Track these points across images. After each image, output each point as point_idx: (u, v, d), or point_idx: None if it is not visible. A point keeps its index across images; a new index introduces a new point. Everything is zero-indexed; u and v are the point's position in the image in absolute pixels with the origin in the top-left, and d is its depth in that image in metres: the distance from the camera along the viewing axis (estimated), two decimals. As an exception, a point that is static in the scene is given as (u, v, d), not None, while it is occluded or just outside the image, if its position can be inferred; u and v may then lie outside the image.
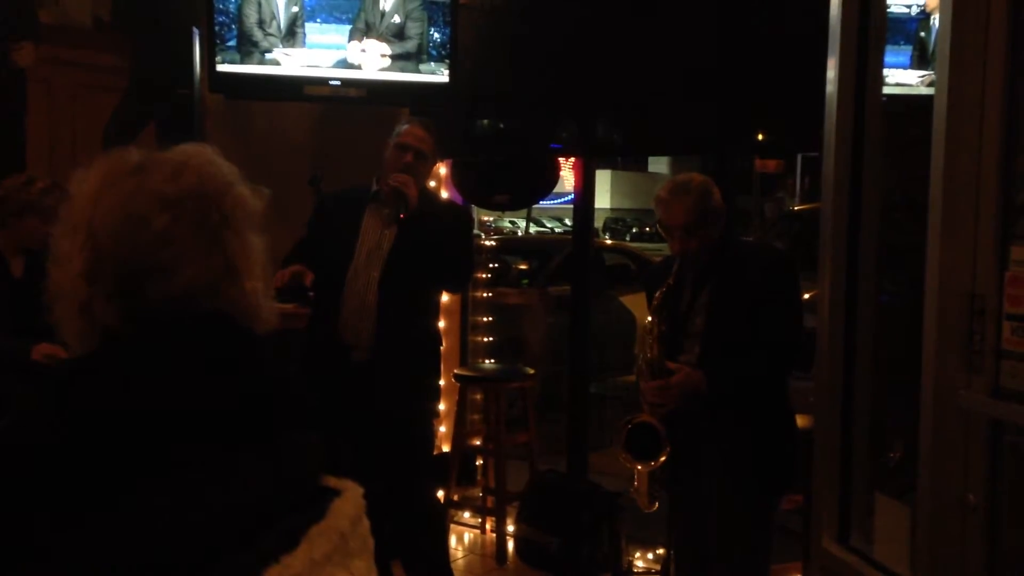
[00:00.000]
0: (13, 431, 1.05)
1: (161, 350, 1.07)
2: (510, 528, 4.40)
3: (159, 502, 0.95)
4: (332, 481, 1.08)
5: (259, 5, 4.19)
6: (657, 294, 2.96)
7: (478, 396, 4.87)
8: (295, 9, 4.24)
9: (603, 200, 32.47)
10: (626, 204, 34.82)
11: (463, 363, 5.10)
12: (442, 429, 4.80)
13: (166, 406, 1.01)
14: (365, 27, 4.31)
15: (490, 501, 4.66)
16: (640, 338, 3.10)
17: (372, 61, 4.33)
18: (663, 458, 2.89)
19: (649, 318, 2.99)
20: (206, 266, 1.13)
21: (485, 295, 5.32)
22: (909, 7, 3.62)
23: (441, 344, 3.81)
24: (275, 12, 4.22)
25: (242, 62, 4.22)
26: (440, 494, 4.45)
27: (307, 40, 4.28)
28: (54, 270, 1.14)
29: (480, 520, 4.82)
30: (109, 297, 1.11)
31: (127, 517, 0.94)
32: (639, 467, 2.95)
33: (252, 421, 1.05)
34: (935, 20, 3.36)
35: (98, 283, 1.11)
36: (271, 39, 4.23)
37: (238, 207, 1.18)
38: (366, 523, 1.07)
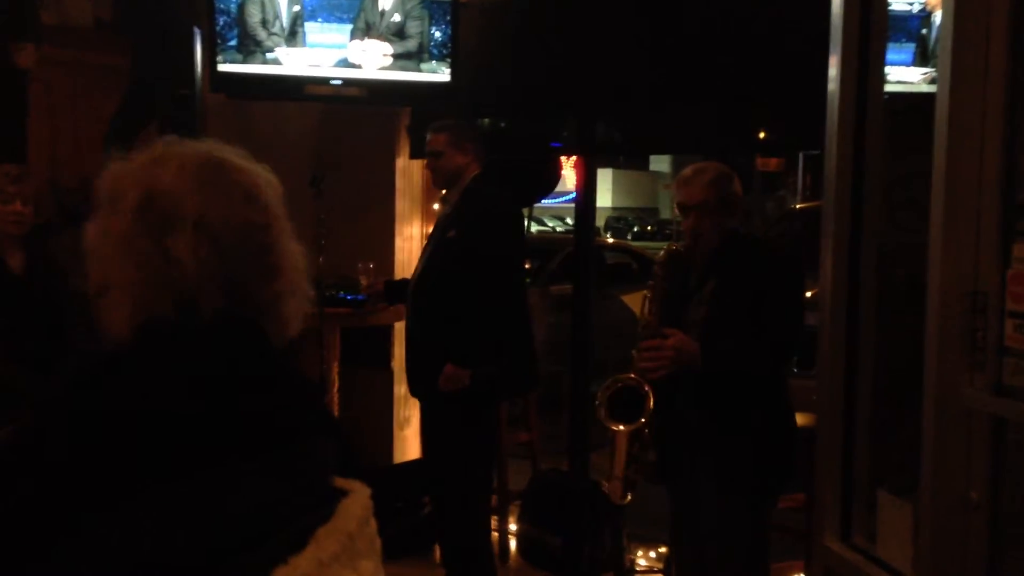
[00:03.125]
0: (40, 427, 1.04)
1: (194, 355, 1.07)
2: (512, 527, 4.40)
3: (170, 504, 0.95)
4: (340, 482, 1.07)
5: (263, 5, 4.19)
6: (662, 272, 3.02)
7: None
8: (296, 8, 4.24)
9: (604, 199, 32.51)
10: (628, 203, 34.84)
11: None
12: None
13: (191, 408, 1.01)
14: (366, 26, 4.31)
15: (492, 500, 4.66)
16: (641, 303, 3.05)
17: (373, 60, 4.33)
18: (644, 420, 2.85)
19: (652, 282, 2.99)
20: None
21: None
22: (911, 4, 3.61)
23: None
24: (278, 12, 4.22)
25: (243, 62, 4.22)
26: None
27: (308, 39, 4.28)
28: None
29: (482, 519, 4.81)
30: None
31: (138, 518, 0.94)
32: (620, 427, 2.89)
33: (270, 425, 1.05)
34: (937, 17, 3.36)
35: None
36: (275, 38, 4.24)
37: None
38: (374, 524, 1.06)
